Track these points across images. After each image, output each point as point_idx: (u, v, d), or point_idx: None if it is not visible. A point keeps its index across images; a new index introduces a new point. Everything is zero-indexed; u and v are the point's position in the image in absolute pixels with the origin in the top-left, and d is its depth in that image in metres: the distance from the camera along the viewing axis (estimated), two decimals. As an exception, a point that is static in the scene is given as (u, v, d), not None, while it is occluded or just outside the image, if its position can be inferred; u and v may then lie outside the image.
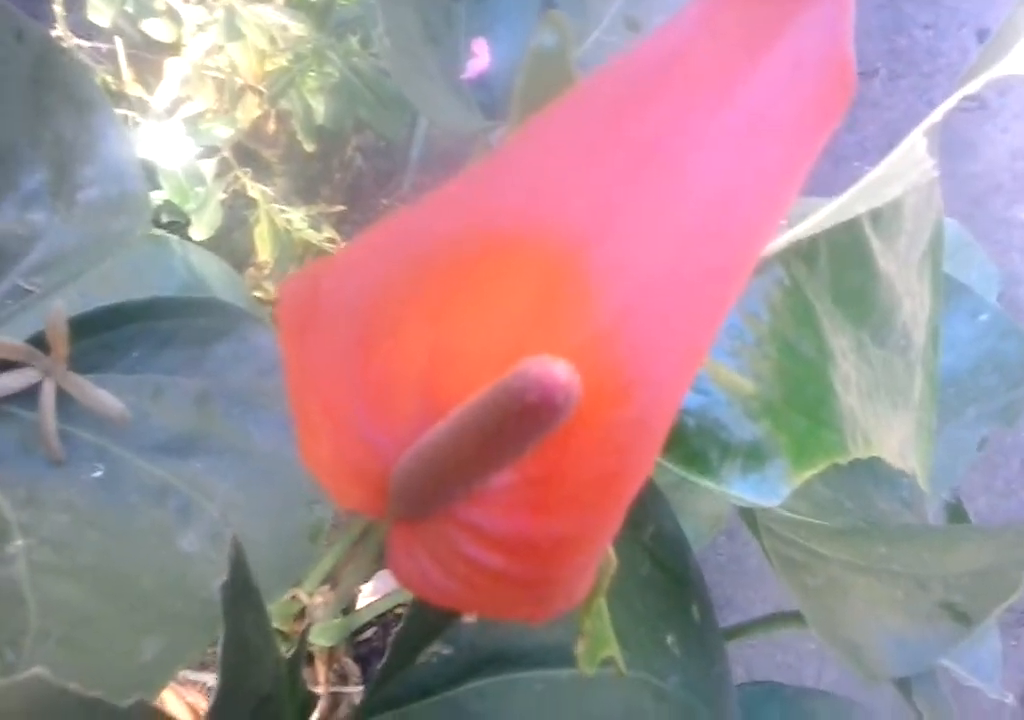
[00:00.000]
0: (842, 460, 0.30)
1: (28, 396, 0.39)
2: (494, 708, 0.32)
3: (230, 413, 0.44)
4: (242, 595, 0.26)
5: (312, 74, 0.99)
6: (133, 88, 1.15)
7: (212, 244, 1.11)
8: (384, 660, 0.31)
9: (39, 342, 0.40)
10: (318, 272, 0.20)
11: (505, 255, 0.19)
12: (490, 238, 0.19)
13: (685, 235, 0.18)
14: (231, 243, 1.23)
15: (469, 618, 0.33)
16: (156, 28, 1.00)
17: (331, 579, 0.72)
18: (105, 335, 0.42)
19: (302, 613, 0.72)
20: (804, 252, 0.31)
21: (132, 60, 1.13)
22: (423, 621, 0.32)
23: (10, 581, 0.33)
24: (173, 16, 1.06)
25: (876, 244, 0.33)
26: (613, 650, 0.28)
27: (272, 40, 0.93)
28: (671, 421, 0.19)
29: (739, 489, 0.28)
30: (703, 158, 0.18)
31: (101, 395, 0.39)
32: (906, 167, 0.31)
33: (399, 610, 0.76)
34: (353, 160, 1.56)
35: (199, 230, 1.08)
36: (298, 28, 0.89)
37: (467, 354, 0.20)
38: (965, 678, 0.49)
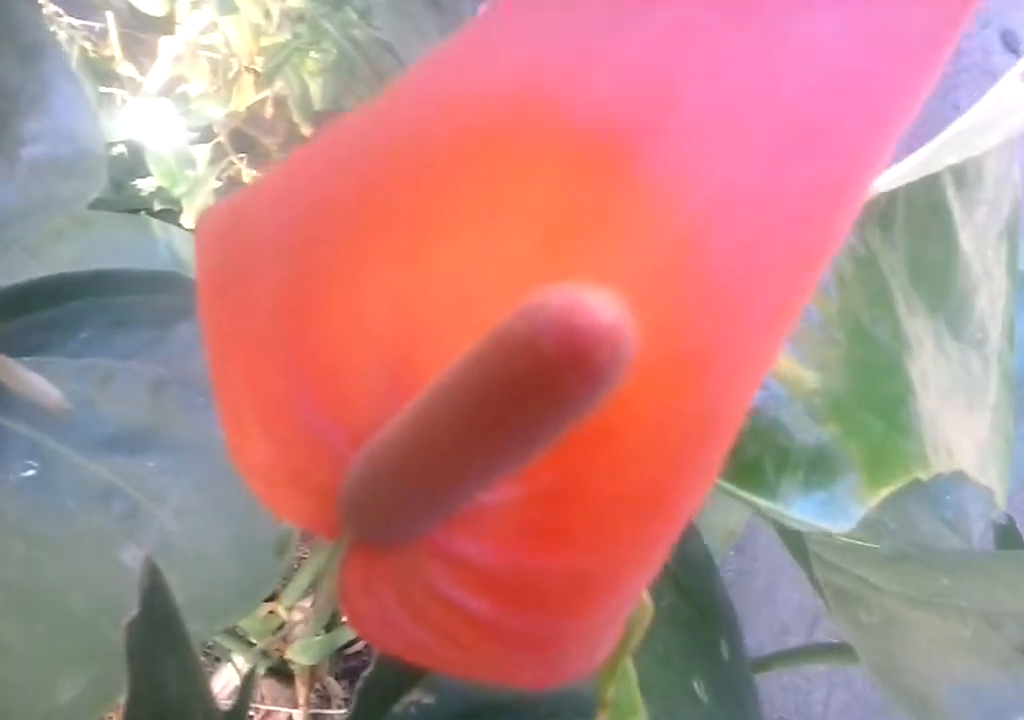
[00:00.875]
0: (924, 474, 0.25)
1: (-51, 380, 0.34)
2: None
3: (189, 404, 0.38)
4: (160, 634, 0.20)
5: (311, 55, 0.93)
6: (125, 67, 1.10)
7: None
8: (354, 705, 0.25)
9: (-36, 317, 0.34)
10: (239, 200, 0.14)
11: (509, 151, 0.13)
12: (486, 125, 0.13)
13: (785, 128, 0.12)
14: (225, 232, 1.18)
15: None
16: (148, 2, 0.95)
17: (311, 592, 0.66)
18: (48, 311, 0.36)
19: (281, 628, 0.66)
20: (880, 215, 0.25)
21: (124, 39, 1.08)
22: (396, 669, 0.26)
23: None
24: (165, -9, 1.01)
25: (958, 211, 0.27)
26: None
27: (267, 13, 0.87)
28: (744, 414, 0.13)
29: (801, 510, 0.22)
30: (817, 20, 0.12)
31: (34, 380, 0.33)
32: (1000, 114, 0.26)
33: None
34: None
35: (190, 217, 1.02)
36: (295, 1, 0.84)
37: (452, 304, 0.14)
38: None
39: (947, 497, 0.53)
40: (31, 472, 0.34)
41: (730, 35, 0.12)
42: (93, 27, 1.13)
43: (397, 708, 0.26)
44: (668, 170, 0.12)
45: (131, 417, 0.36)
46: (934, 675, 0.31)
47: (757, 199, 0.12)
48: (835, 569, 0.34)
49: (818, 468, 0.23)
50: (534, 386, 0.10)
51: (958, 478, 0.46)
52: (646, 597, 0.18)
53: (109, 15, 1.04)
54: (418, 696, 0.26)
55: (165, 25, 1.05)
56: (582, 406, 0.11)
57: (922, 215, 0.27)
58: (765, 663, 0.48)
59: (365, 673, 0.25)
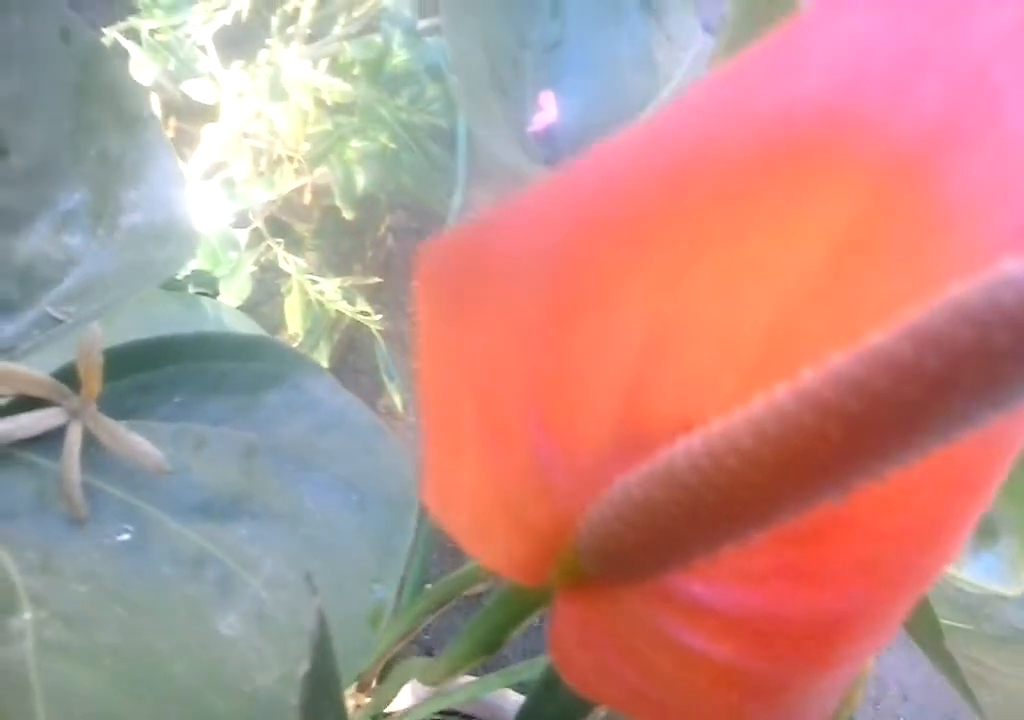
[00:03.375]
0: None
1: (50, 440, 0.33)
2: None
3: (280, 472, 0.37)
4: (325, 690, 0.19)
5: (355, 142, 0.96)
6: (168, 153, 1.12)
7: (239, 316, 1.07)
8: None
9: (67, 378, 0.34)
10: (486, 223, 0.14)
11: (814, 164, 0.13)
12: (794, 138, 0.13)
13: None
14: (259, 316, 1.19)
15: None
16: (198, 89, 0.98)
17: (364, 679, 0.64)
18: (144, 375, 0.36)
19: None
20: None
21: (166, 125, 1.11)
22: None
23: (15, 663, 0.26)
24: (214, 80, 1.04)
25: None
26: None
27: (318, 101, 0.90)
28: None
29: (971, 571, 0.21)
30: None
31: (136, 442, 0.33)
32: None
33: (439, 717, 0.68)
34: (385, 240, 1.54)
35: (228, 298, 1.04)
36: (345, 87, 0.86)
37: (712, 340, 0.13)
38: None
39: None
40: (126, 536, 0.33)
41: None
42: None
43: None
44: (977, 190, 0.12)
45: (223, 483, 0.36)
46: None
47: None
48: (957, 651, 0.33)
49: (984, 530, 0.22)
50: (987, 362, 0.10)
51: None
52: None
53: (155, 99, 1.07)
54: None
55: (208, 113, 1.08)
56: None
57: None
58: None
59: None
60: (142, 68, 0.92)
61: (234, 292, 1.04)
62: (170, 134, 1.05)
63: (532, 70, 0.64)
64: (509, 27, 0.62)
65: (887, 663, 1.22)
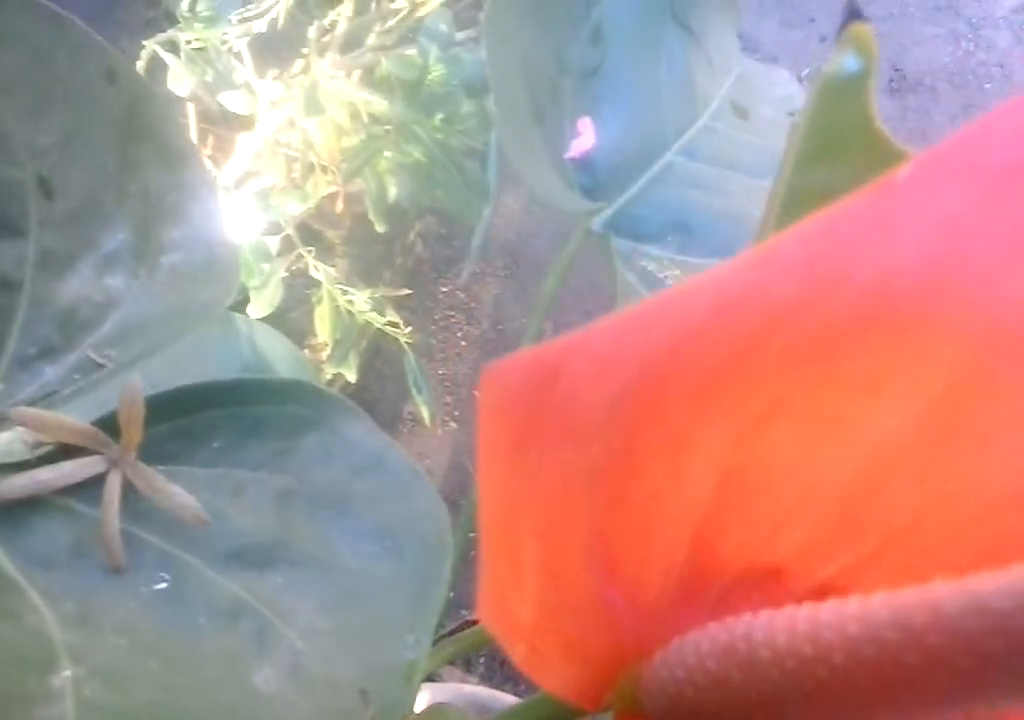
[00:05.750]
0: None
1: (89, 488, 0.33)
2: None
3: (315, 518, 0.37)
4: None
5: (387, 154, 0.96)
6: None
7: (268, 323, 1.07)
8: None
9: (107, 426, 0.34)
10: (558, 354, 0.14)
11: (911, 333, 0.12)
12: (894, 304, 0.12)
13: None
14: (288, 323, 1.20)
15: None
16: (234, 100, 0.98)
17: None
18: (183, 420, 0.36)
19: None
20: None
21: (201, 133, 1.11)
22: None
23: (53, 726, 0.27)
24: (250, 90, 1.04)
25: None
26: None
27: (354, 115, 0.90)
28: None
29: None
30: None
31: (175, 492, 0.33)
32: None
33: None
34: (414, 246, 1.54)
35: (258, 307, 1.04)
36: (381, 104, 0.86)
37: (791, 484, 0.13)
38: None
39: None
40: (163, 585, 0.33)
41: None
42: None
43: None
44: None
45: (259, 530, 0.36)
46: None
47: None
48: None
49: None
50: None
51: None
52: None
53: (190, 108, 1.07)
54: None
55: (243, 123, 1.09)
56: None
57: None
58: None
59: None
60: (180, 80, 0.92)
61: (265, 301, 1.05)
62: (206, 145, 1.06)
63: (571, 96, 0.63)
64: (549, 53, 0.62)
65: None
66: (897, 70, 1.68)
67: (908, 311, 0.12)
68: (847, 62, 0.20)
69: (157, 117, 0.40)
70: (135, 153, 0.39)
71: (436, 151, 0.82)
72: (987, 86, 1.67)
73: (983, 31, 1.71)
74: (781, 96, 0.74)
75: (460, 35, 1.00)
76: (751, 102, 0.73)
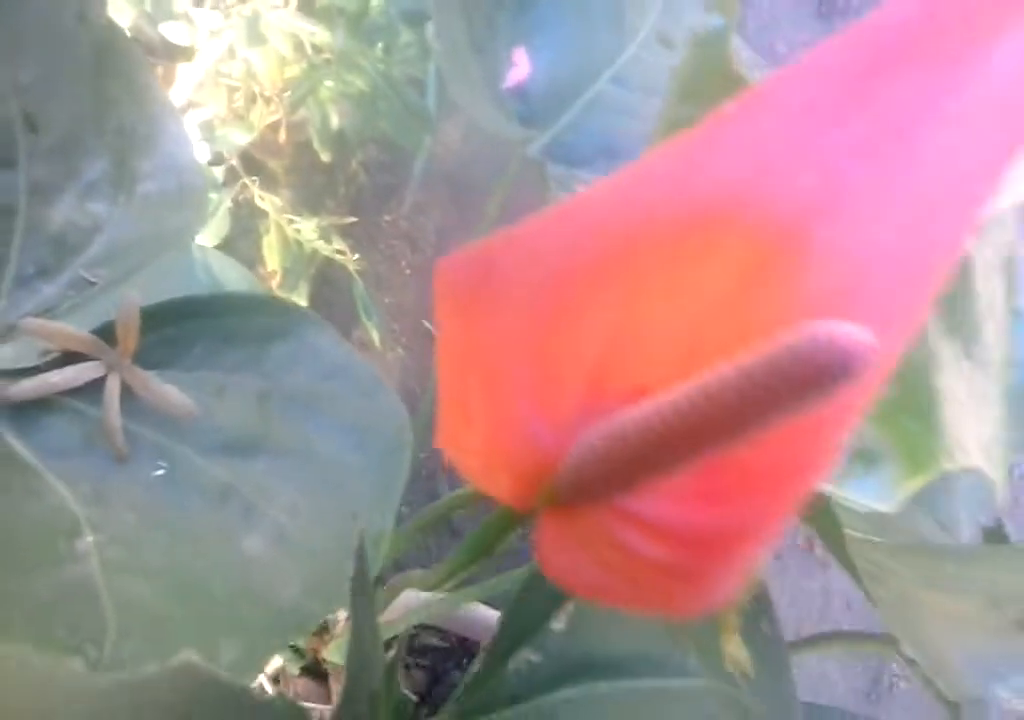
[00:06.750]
0: (951, 466, 0.30)
1: (92, 391, 0.38)
2: (582, 718, 0.32)
3: (289, 416, 0.42)
4: (365, 590, 0.25)
5: (329, 84, 0.98)
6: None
7: (218, 252, 1.09)
8: (478, 666, 0.30)
9: (105, 335, 0.39)
10: (492, 248, 0.19)
11: (715, 232, 0.18)
12: (699, 214, 0.18)
13: (915, 213, 0.17)
14: (236, 253, 1.22)
15: (558, 625, 0.32)
16: (174, 31, 0.99)
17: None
18: (168, 330, 0.41)
19: (323, 629, 0.70)
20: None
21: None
22: (514, 629, 0.31)
23: (85, 577, 0.32)
24: (189, 20, 1.05)
25: (975, 256, 0.33)
26: (742, 654, 0.27)
27: (297, 46, 0.92)
28: (862, 413, 0.18)
29: (857, 493, 0.27)
30: (942, 135, 0.17)
31: (168, 390, 0.38)
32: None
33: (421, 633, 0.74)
34: (357, 175, 1.56)
35: (207, 237, 1.07)
36: (323, 34, 0.89)
37: (650, 339, 0.19)
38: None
39: (940, 501, 0.59)
40: (161, 471, 0.38)
41: (886, 147, 0.17)
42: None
43: (512, 664, 0.31)
44: (829, 245, 0.17)
45: (241, 425, 0.41)
46: (947, 643, 0.36)
47: (893, 262, 0.17)
48: (856, 555, 0.39)
49: (867, 460, 0.28)
50: (803, 384, 0.15)
51: (951, 486, 0.53)
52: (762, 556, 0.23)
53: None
54: (528, 654, 0.31)
55: (185, 53, 1.10)
56: (826, 400, 0.16)
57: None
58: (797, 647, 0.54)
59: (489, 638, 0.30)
60: (121, 11, 0.94)
61: (213, 231, 1.07)
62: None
63: (506, 28, 0.67)
64: (484, -12, 0.65)
65: (834, 577, 1.32)
66: (825, -5, 1.73)
67: (721, 211, 0.18)
68: (713, 20, 0.25)
69: (123, 54, 0.44)
70: (108, 89, 0.43)
71: (379, 81, 0.85)
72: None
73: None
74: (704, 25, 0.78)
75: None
76: (676, 31, 0.77)
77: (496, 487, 0.21)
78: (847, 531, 0.44)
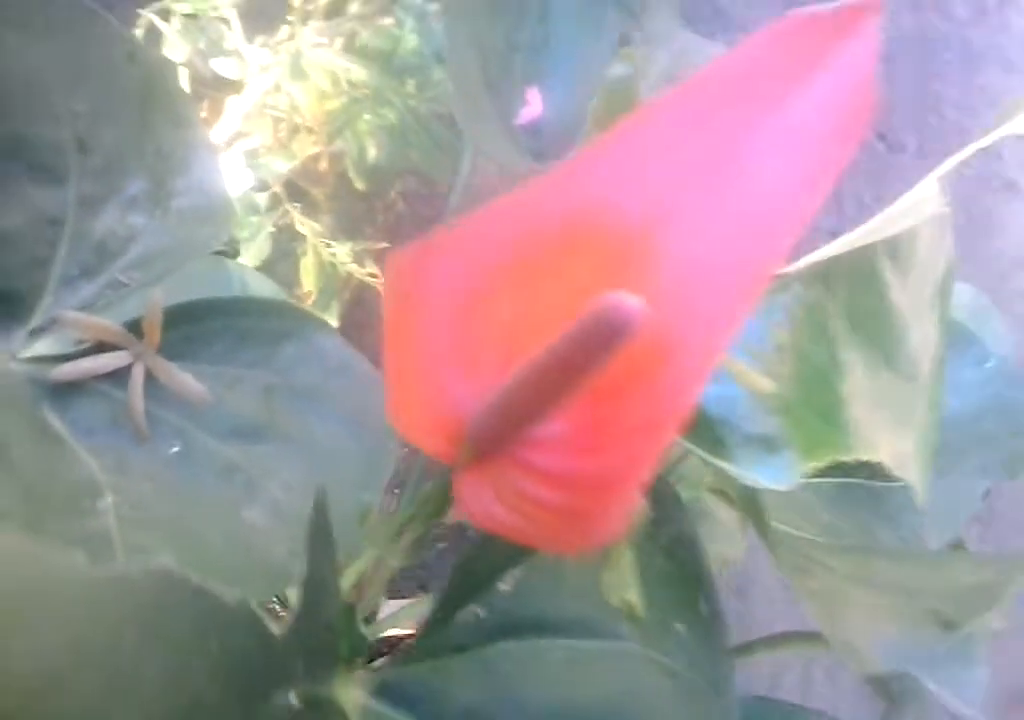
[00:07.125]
0: (847, 457, 0.34)
1: (119, 376, 0.44)
2: (520, 670, 0.36)
3: (294, 407, 0.48)
4: (322, 538, 0.30)
5: (367, 116, 1.05)
6: (196, 122, 1.21)
7: (258, 273, 1.16)
8: (429, 615, 0.35)
9: (133, 328, 0.45)
10: (425, 249, 0.25)
11: (585, 235, 0.23)
12: (575, 221, 0.23)
13: (736, 227, 0.22)
14: (275, 274, 1.29)
15: (504, 587, 0.36)
16: (225, 66, 1.07)
17: (356, 588, 0.75)
18: (192, 327, 0.46)
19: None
20: (823, 275, 0.35)
21: (195, 96, 1.20)
22: (465, 585, 0.36)
23: (103, 530, 0.37)
24: (240, 56, 1.13)
25: (890, 276, 0.37)
26: (632, 595, 0.32)
27: (335, 82, 0.99)
28: (701, 387, 0.23)
29: (753, 472, 0.32)
30: (760, 160, 0.22)
31: (186, 379, 0.44)
32: (918, 203, 0.36)
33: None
34: (395, 204, 1.63)
35: (248, 258, 1.14)
36: (359, 71, 0.96)
37: (541, 315, 0.24)
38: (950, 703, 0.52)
39: (904, 518, 0.62)
40: (176, 450, 0.44)
41: (716, 169, 0.23)
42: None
43: (460, 616, 0.35)
44: (667, 249, 0.22)
45: (250, 414, 0.47)
46: (866, 631, 0.40)
47: (716, 267, 0.22)
48: (796, 551, 0.44)
49: (767, 445, 0.32)
50: (598, 335, 0.21)
51: (916, 507, 0.57)
52: (642, 502, 0.28)
53: (184, 73, 1.16)
54: (476, 609, 0.35)
55: (233, 86, 1.18)
56: (619, 342, 0.21)
57: (860, 276, 0.37)
58: (752, 648, 0.58)
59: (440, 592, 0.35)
60: (176, 47, 1.02)
61: (253, 253, 1.14)
62: (200, 108, 1.15)
63: (520, 69, 0.73)
64: (500, 31, 0.71)
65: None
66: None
67: (588, 218, 0.23)
68: (622, 68, 0.30)
69: (168, 89, 0.50)
70: (151, 118, 0.49)
71: (407, 115, 0.91)
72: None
73: None
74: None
75: (433, 7, 1.09)
76: (687, 74, 0.82)
77: (432, 446, 0.26)
78: (791, 530, 0.49)
